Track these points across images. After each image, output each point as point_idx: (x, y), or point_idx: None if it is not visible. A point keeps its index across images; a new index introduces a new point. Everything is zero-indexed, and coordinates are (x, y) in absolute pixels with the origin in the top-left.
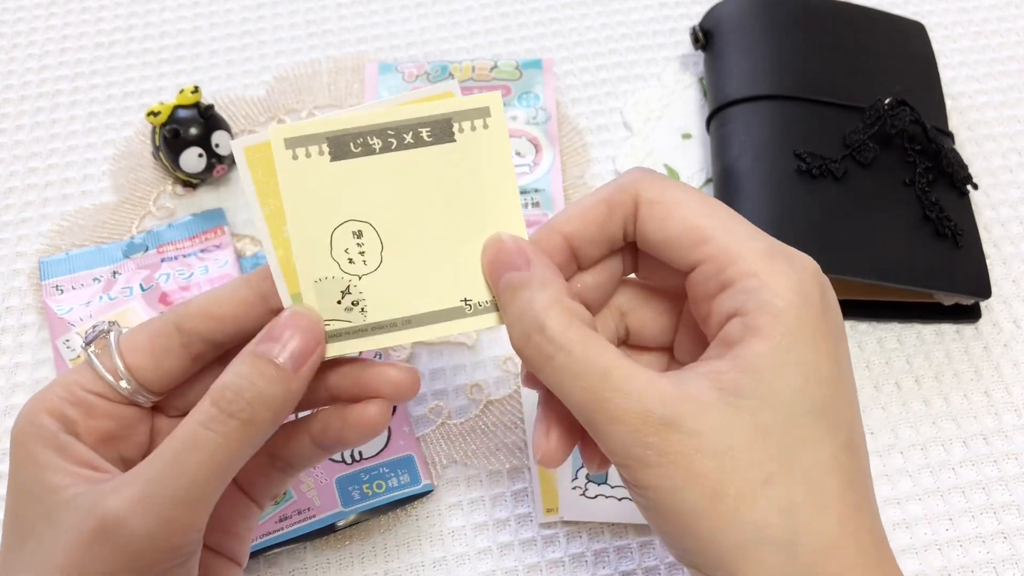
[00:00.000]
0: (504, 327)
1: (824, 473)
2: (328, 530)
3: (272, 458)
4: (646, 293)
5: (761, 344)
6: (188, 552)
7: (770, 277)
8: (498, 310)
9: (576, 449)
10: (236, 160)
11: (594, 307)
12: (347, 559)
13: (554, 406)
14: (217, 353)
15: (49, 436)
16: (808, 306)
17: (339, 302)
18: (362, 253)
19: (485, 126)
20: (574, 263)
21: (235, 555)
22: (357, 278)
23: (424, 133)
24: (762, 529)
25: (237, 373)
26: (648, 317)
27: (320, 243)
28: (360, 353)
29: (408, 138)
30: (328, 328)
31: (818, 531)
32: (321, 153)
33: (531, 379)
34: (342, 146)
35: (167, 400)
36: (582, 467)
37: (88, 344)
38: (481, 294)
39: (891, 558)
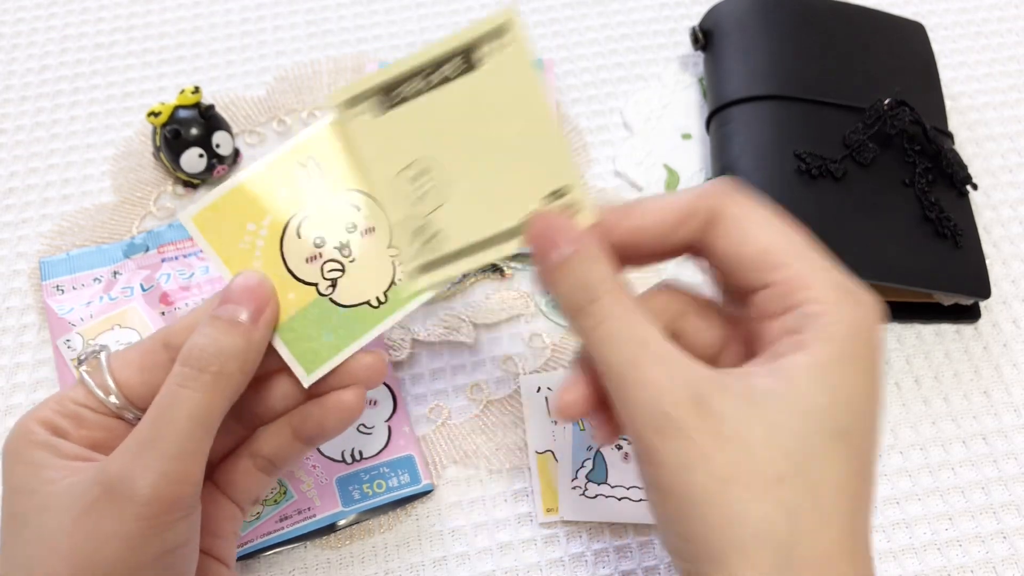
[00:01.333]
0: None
1: (834, 490)
2: (328, 530)
3: (253, 457)
4: (699, 303)
5: (802, 358)
6: (189, 505)
7: (834, 307)
8: None
9: (573, 446)
10: (188, 230)
11: None
12: (347, 559)
13: (586, 366)
14: None
15: (41, 440)
16: (859, 341)
17: (420, 238)
18: (427, 191)
19: (502, 48)
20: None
21: (224, 557)
22: (429, 213)
23: (451, 68)
24: (765, 526)
25: (202, 334)
26: (700, 325)
27: (394, 189)
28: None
29: (443, 74)
30: (416, 263)
31: (818, 542)
32: (373, 108)
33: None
34: (390, 96)
35: None
36: (582, 467)
37: (81, 363)
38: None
39: None
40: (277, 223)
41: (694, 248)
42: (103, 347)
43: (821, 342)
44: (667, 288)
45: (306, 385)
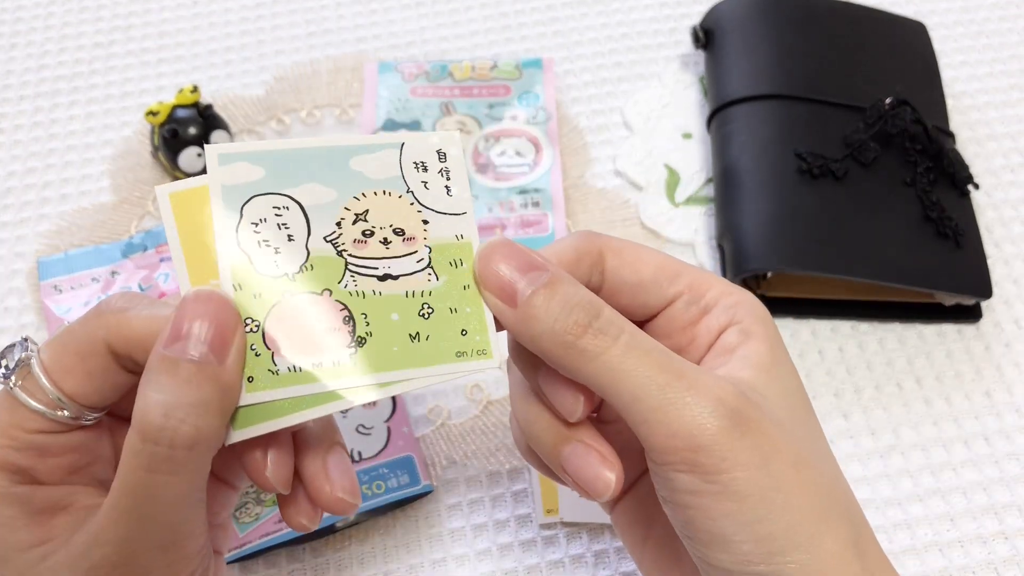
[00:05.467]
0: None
1: (826, 456)
2: (327, 531)
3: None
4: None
5: (760, 345)
6: (201, 566)
7: (742, 295)
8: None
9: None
10: (160, 207)
11: None
12: (346, 560)
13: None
14: None
15: (3, 494)
16: (768, 319)
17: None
18: None
19: None
20: None
21: (217, 545)
22: None
23: None
24: (836, 495)
25: (157, 389)
26: None
27: None
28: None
29: None
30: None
31: (845, 490)
32: None
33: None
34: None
35: (119, 405)
36: None
37: (8, 377)
38: None
39: None
40: None
41: (592, 287)
42: (27, 344)
43: (761, 326)
44: None
45: (227, 443)
